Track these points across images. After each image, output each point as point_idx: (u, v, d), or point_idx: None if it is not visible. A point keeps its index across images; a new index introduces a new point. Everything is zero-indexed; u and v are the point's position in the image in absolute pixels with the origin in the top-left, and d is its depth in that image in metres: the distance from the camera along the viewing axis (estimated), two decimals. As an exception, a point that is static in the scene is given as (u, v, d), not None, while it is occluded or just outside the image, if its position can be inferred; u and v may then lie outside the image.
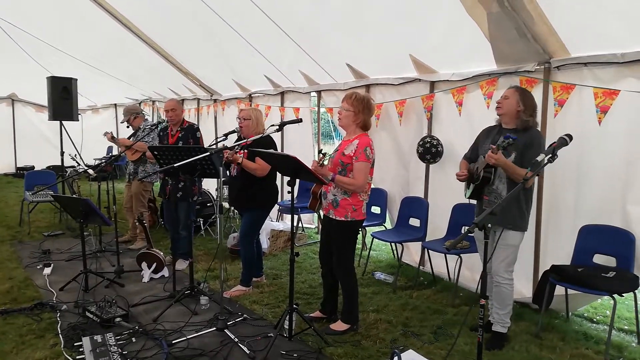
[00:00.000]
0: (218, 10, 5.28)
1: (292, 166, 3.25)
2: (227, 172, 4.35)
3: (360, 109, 3.44)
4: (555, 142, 2.51)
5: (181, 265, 4.98)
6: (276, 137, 4.24)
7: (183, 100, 9.58)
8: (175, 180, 4.71)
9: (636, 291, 3.33)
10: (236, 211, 7.11)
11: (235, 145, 3.99)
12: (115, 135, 6.01)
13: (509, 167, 3.08)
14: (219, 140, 4.66)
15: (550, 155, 2.41)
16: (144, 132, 5.56)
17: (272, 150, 3.57)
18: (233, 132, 4.39)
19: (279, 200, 5.76)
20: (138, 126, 5.79)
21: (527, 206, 3.28)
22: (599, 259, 3.54)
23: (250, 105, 7.48)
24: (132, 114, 5.79)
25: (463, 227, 4.47)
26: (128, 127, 5.87)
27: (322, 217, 3.88)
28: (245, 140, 4.05)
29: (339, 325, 3.57)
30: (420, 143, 4.75)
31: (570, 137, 2.56)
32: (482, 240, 3.03)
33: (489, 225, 2.18)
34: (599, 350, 3.32)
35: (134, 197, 5.72)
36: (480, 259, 3.54)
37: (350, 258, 3.60)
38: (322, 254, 3.78)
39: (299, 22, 5.00)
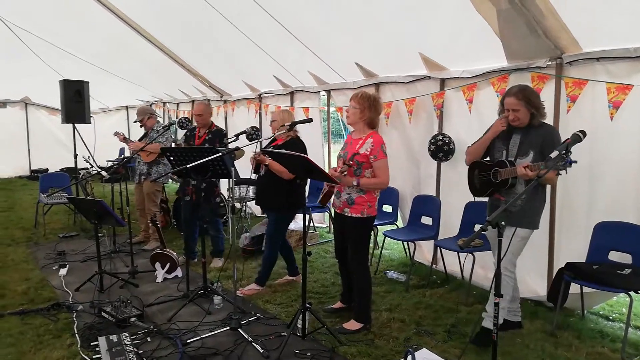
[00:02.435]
0: (225, 13, 5.31)
1: (303, 166, 3.27)
2: (258, 172, 4.36)
3: (366, 105, 3.51)
4: (569, 139, 2.48)
5: (217, 263, 5.13)
6: (287, 136, 4.27)
7: (193, 101, 9.64)
8: (197, 181, 4.76)
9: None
10: (248, 211, 7.17)
11: (267, 147, 4.04)
12: (127, 136, 6.07)
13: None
14: (230, 140, 4.69)
15: (564, 151, 2.39)
16: (158, 133, 5.62)
17: (283, 150, 3.58)
18: (243, 132, 4.42)
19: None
20: (151, 127, 5.85)
21: (540, 205, 3.22)
22: (614, 256, 3.51)
23: (260, 106, 7.52)
24: (146, 115, 5.87)
25: (476, 225, 4.45)
26: (141, 127, 5.94)
27: (332, 215, 3.91)
28: (267, 141, 4.07)
29: (352, 325, 3.59)
30: (432, 141, 4.73)
31: (584, 133, 2.53)
32: (495, 239, 3.01)
33: (503, 222, 2.17)
34: (615, 349, 3.28)
35: (146, 197, 5.78)
36: (494, 257, 3.52)
37: (366, 253, 3.68)
38: (337, 250, 3.89)
39: (305, 23, 5.01)
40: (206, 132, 5.01)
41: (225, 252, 5.29)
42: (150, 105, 11.53)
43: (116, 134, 6.03)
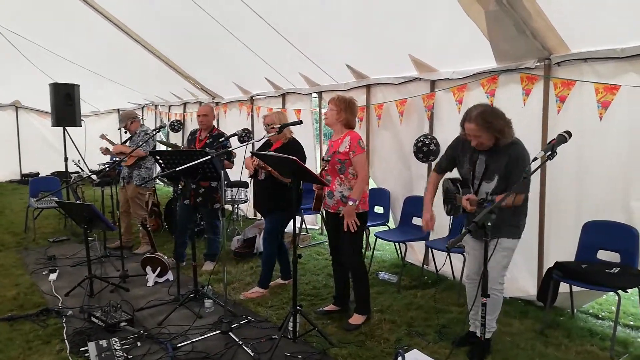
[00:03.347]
0: (217, 16, 5.30)
1: (292, 168, 3.27)
2: (255, 176, 4.34)
3: (343, 107, 3.69)
4: (554, 139, 2.50)
5: (208, 266, 5.10)
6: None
7: (185, 103, 9.62)
8: (195, 185, 4.74)
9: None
10: (239, 214, 7.16)
11: (262, 149, 4.03)
12: (109, 139, 6.03)
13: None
14: (220, 142, 4.68)
15: (550, 152, 2.40)
16: (139, 136, 5.64)
17: (271, 152, 3.59)
18: (234, 135, 4.41)
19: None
20: (135, 131, 5.82)
21: (521, 216, 3.08)
22: (603, 255, 3.53)
23: (252, 108, 7.51)
24: (129, 119, 5.83)
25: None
26: (126, 132, 5.92)
27: (324, 215, 3.94)
28: (261, 142, 4.05)
29: (357, 319, 3.68)
30: (414, 142, 4.78)
31: (569, 134, 2.54)
32: (474, 250, 3.00)
33: (489, 223, 2.17)
34: (604, 347, 3.30)
35: (130, 201, 5.70)
36: (469, 267, 3.42)
37: (361, 247, 3.79)
38: (332, 249, 3.96)
39: (296, 25, 5.01)
40: (207, 136, 5.00)
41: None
42: (142, 108, 11.49)
43: (102, 136, 6.03)
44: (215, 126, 5.17)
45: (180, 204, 5.06)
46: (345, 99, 3.72)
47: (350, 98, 3.76)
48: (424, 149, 4.69)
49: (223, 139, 4.73)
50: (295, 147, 4.16)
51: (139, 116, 6.11)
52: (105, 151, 5.88)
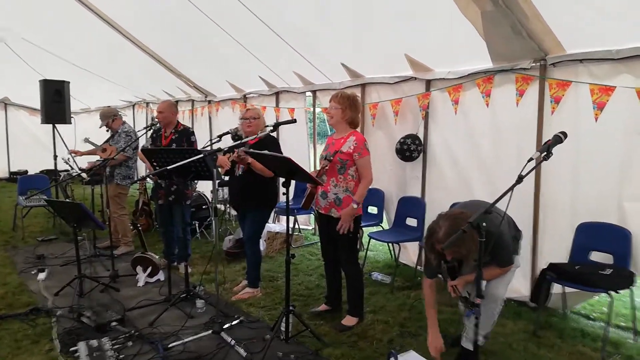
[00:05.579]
0: (209, 13, 5.25)
1: (286, 167, 3.24)
2: (231, 173, 4.26)
3: (347, 105, 3.61)
4: (550, 140, 2.49)
5: (183, 268, 4.98)
6: (272, 137, 4.24)
7: (177, 101, 9.53)
8: (168, 183, 4.67)
9: (632, 288, 3.33)
10: (232, 213, 7.10)
11: (241, 144, 3.94)
12: (92, 141, 5.97)
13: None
14: (213, 142, 4.62)
15: (545, 152, 2.39)
16: (120, 136, 5.61)
17: (265, 152, 3.55)
18: (227, 133, 4.35)
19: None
20: (117, 129, 5.74)
21: (511, 243, 2.99)
22: (595, 256, 3.55)
23: (245, 106, 7.46)
24: (110, 117, 5.74)
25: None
26: (107, 130, 5.84)
27: (317, 216, 3.91)
28: (248, 139, 3.99)
29: (350, 321, 3.67)
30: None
31: (565, 134, 2.53)
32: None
33: (484, 223, 2.16)
34: (596, 347, 3.32)
35: (110, 200, 5.55)
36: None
37: (356, 251, 3.77)
38: (324, 251, 3.92)
39: (290, 23, 4.97)
40: (172, 132, 4.87)
41: (208, 255, 5.22)
42: (133, 105, 11.39)
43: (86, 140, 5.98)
44: (180, 122, 5.02)
45: (157, 205, 4.98)
46: (349, 96, 3.64)
47: (353, 94, 3.69)
48: (395, 147, 4.90)
49: (218, 137, 4.64)
50: (271, 141, 4.07)
51: (119, 113, 6.02)
52: (75, 152, 5.86)
